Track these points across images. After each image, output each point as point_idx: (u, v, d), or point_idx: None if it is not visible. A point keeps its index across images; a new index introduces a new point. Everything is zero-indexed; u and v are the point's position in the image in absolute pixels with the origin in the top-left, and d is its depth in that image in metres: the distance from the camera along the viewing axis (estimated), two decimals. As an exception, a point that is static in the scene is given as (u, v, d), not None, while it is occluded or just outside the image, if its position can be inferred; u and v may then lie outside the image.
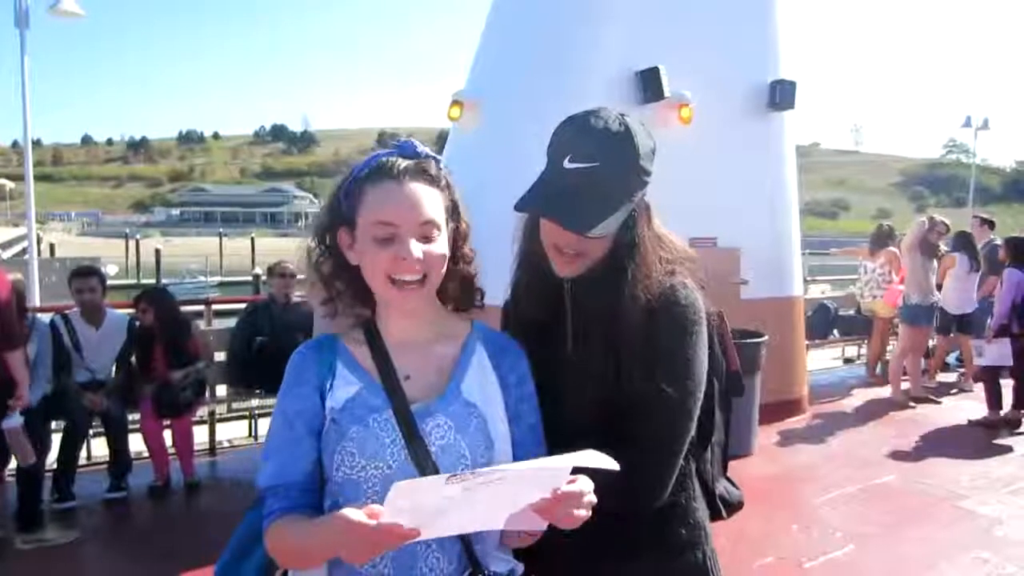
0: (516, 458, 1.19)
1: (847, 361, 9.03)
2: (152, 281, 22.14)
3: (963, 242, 7.13)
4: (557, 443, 1.21)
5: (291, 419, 1.19)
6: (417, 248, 1.12)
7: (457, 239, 1.22)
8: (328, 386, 1.19)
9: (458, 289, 1.26)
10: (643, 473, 1.22)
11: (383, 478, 1.11)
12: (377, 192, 1.14)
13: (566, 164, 1.23)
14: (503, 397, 1.23)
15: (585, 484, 1.00)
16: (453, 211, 1.21)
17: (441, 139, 6.65)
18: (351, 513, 0.94)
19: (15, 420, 3.70)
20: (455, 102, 5.64)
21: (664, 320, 1.26)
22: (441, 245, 1.17)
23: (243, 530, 1.28)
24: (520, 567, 1.25)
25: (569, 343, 1.33)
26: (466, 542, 1.16)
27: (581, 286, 1.31)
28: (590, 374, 1.28)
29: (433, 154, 1.21)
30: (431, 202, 1.16)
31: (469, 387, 1.20)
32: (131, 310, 4.83)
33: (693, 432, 1.28)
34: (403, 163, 1.16)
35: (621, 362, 1.25)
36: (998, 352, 6.02)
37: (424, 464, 1.11)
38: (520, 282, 1.43)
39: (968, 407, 6.52)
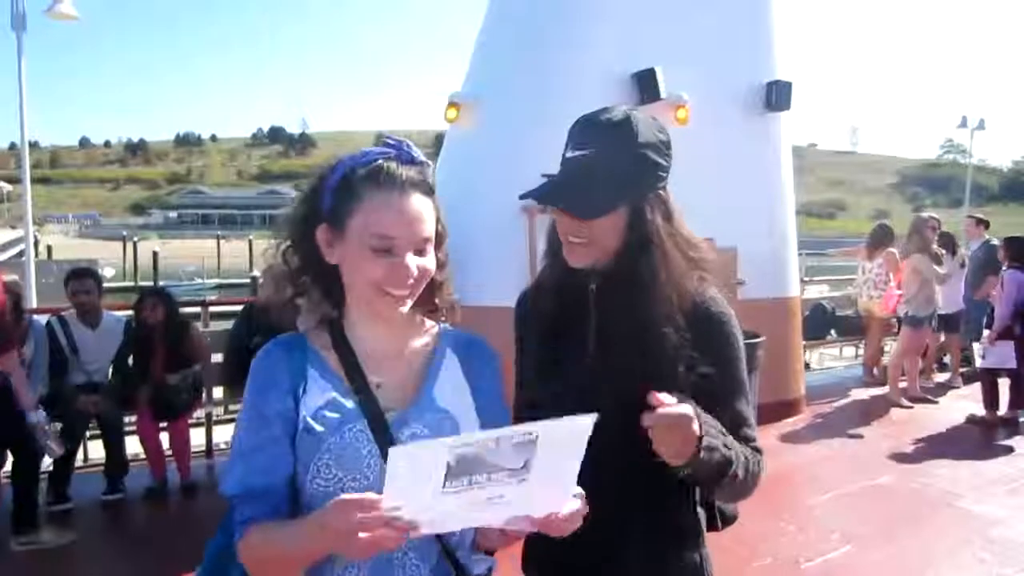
0: None
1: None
2: (149, 283, 22.09)
3: (945, 243, 7.15)
4: None
5: (267, 419, 1.12)
6: (413, 263, 1.10)
7: (436, 243, 1.18)
8: (301, 390, 1.13)
9: (425, 293, 1.19)
10: (757, 469, 1.30)
11: (361, 491, 1.05)
12: (379, 200, 1.10)
13: (567, 154, 1.28)
14: (474, 399, 1.21)
15: (582, 503, 1.01)
16: (437, 218, 1.18)
17: (438, 141, 6.66)
18: (351, 496, 0.91)
19: (39, 415, 3.68)
20: (451, 104, 5.63)
21: (709, 329, 1.28)
22: (431, 258, 1.15)
23: (214, 550, 1.21)
24: (495, 561, 1.23)
25: (591, 343, 1.31)
26: (443, 543, 1.14)
27: (606, 284, 1.30)
28: (613, 375, 1.26)
29: (426, 159, 1.17)
30: (429, 217, 1.13)
31: (442, 393, 1.19)
32: (126, 313, 4.82)
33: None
34: (404, 172, 1.12)
35: (649, 361, 1.24)
36: (1001, 354, 6.02)
37: None
38: (545, 276, 1.41)
39: (965, 407, 6.52)
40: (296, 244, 1.18)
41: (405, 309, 1.15)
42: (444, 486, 0.89)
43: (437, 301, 1.24)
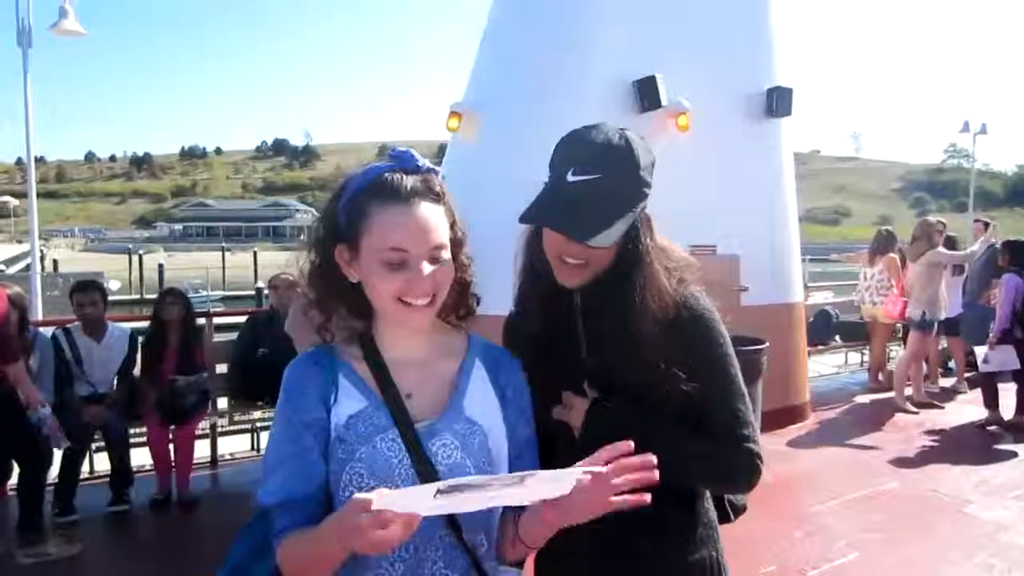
0: (511, 471, 1.19)
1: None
2: (154, 296, 22.11)
3: (948, 247, 7.14)
4: (567, 449, 1.25)
5: (298, 430, 1.14)
6: (429, 272, 1.11)
7: (455, 247, 1.19)
8: (332, 400, 1.15)
9: (455, 296, 1.22)
10: (739, 464, 1.30)
11: None
12: (386, 215, 1.10)
13: (569, 177, 1.25)
14: (501, 409, 1.23)
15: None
16: (452, 223, 1.19)
17: (441, 151, 6.70)
18: (363, 494, 0.92)
19: (45, 411, 3.80)
20: (453, 113, 5.67)
21: (693, 330, 1.30)
22: (448, 264, 1.15)
23: (240, 549, 1.22)
24: (519, 573, 1.24)
25: (584, 352, 1.35)
26: (472, 553, 1.15)
27: (591, 296, 1.32)
28: (607, 382, 1.30)
29: (432, 166, 1.18)
30: (440, 224, 1.14)
31: (471, 404, 1.20)
32: (131, 325, 4.85)
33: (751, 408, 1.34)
34: (409, 182, 1.12)
35: (644, 368, 1.27)
36: (1003, 358, 6.00)
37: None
38: (525, 294, 1.42)
39: (971, 412, 6.49)
40: (318, 266, 1.19)
41: (430, 317, 1.16)
42: (435, 496, 0.91)
43: (470, 303, 1.26)
